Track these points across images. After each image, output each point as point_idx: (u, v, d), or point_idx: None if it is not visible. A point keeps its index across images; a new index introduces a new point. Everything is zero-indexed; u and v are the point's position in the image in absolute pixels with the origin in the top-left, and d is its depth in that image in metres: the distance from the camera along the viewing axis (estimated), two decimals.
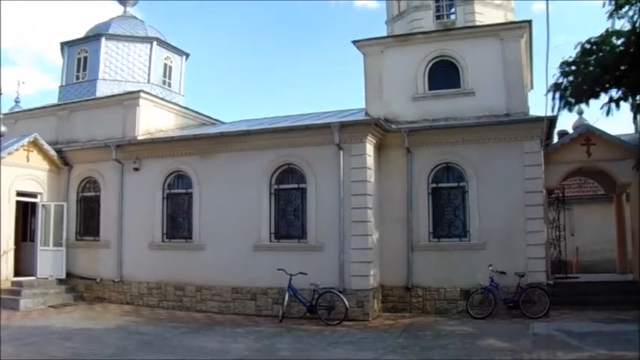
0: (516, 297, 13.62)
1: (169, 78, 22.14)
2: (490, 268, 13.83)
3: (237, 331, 12.57)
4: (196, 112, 20.72)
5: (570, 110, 12.06)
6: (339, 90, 55.17)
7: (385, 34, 17.72)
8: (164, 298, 16.13)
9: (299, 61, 56.92)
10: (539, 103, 66.95)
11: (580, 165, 15.70)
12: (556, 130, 16.93)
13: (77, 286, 17.45)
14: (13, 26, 48.83)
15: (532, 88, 18.67)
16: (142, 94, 17.99)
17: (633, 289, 14.98)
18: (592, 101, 11.74)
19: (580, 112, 18.36)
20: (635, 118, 13.07)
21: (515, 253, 14.05)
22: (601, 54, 11.23)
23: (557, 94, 11.80)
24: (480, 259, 14.11)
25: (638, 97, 11.55)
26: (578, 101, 11.78)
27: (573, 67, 11.52)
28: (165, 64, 22.03)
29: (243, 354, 10.34)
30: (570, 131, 17.19)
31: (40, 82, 55.93)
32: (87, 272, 17.42)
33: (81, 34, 22.03)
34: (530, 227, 14.05)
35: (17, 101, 24.63)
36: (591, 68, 11.17)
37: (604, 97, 11.61)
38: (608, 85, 11.40)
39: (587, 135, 15.36)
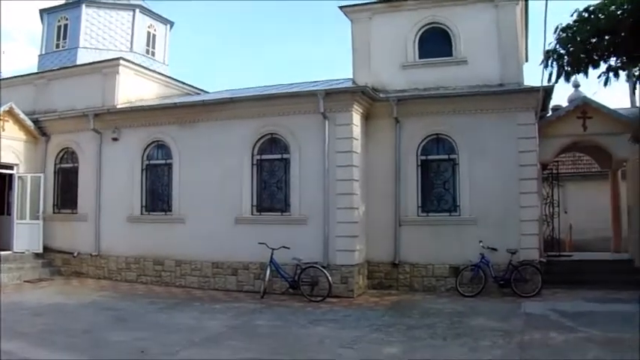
0: (508, 275, 13.17)
1: (153, 47, 21.55)
2: (481, 244, 13.35)
3: (215, 307, 12.12)
4: (180, 82, 20.04)
5: (567, 80, 11.45)
6: (328, 62, 54.31)
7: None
8: (143, 272, 15.63)
9: (288, 31, 56.12)
10: (534, 76, 66.34)
11: (576, 139, 15.13)
12: (551, 103, 16.31)
13: (54, 261, 16.93)
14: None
15: (527, 60, 18.06)
16: (121, 62, 17.33)
17: (628, 268, 14.66)
18: (589, 73, 11.16)
19: (576, 85, 17.89)
20: (633, 89, 12.52)
21: (507, 229, 13.55)
22: (599, 22, 10.66)
23: (554, 63, 11.21)
24: (471, 235, 13.63)
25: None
26: (576, 70, 11.18)
27: (570, 34, 10.93)
28: (149, 33, 21.40)
29: (219, 331, 9.81)
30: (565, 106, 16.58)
31: (34, 58, 54.60)
32: (64, 246, 16.90)
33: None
34: (524, 202, 13.55)
35: None
36: (587, 35, 10.60)
37: (603, 67, 11.08)
38: (606, 53, 10.84)
39: (583, 107, 14.76)
